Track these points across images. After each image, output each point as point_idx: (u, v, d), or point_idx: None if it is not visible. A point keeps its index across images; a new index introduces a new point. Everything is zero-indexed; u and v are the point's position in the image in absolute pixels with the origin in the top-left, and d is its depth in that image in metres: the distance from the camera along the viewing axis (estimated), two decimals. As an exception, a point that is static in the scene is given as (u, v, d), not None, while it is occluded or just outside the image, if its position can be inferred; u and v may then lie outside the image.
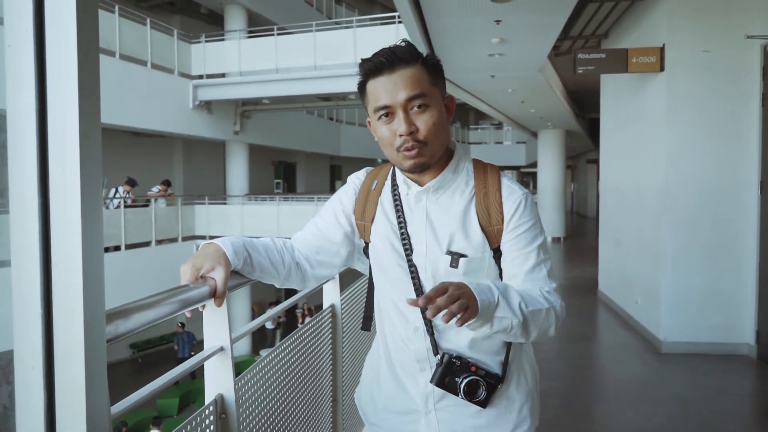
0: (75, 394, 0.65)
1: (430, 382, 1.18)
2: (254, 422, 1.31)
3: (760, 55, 4.56)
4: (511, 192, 1.19)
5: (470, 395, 1.16)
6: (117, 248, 11.29)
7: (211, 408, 1.12)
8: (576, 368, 4.86)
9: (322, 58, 12.46)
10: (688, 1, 4.86)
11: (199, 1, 15.34)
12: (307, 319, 1.81)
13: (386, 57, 1.12)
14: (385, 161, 1.28)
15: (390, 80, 1.12)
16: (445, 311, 0.96)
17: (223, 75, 13.53)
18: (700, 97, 4.81)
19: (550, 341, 4.79)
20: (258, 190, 16.58)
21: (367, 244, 1.30)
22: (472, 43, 6.04)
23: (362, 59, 1.15)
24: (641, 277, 5.59)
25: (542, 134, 15.64)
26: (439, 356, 1.18)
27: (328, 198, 1.38)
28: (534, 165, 19.98)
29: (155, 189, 12.96)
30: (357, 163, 19.13)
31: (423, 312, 1.20)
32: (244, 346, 12.85)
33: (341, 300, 2.00)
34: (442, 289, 0.98)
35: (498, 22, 5.21)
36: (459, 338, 1.19)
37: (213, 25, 16.28)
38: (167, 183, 13.22)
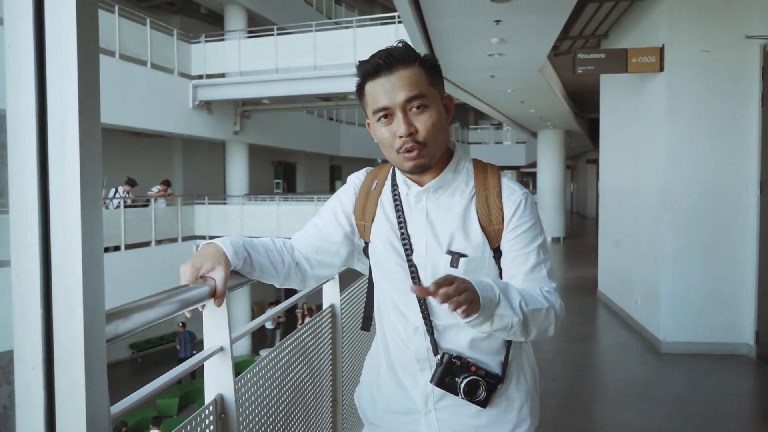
0: (75, 394, 0.65)
1: (430, 382, 1.18)
2: (254, 422, 1.31)
3: (759, 55, 4.56)
4: (511, 192, 1.19)
5: (470, 395, 1.16)
6: (117, 248, 11.29)
7: (211, 408, 1.12)
8: (576, 368, 4.86)
9: (322, 58, 12.46)
10: (688, 1, 4.86)
11: (199, 1, 15.34)
12: (307, 319, 1.81)
13: (384, 58, 1.12)
14: (385, 161, 1.28)
15: (388, 81, 1.12)
16: (452, 299, 0.96)
17: (222, 75, 13.53)
18: (699, 97, 4.81)
19: (549, 341, 4.79)
20: (258, 190, 16.58)
21: (366, 244, 1.30)
22: (472, 44, 6.05)
23: (360, 61, 1.15)
24: (641, 277, 5.59)
25: (542, 134, 15.65)
26: (439, 356, 1.18)
27: (328, 198, 1.38)
28: (534, 165, 19.98)
29: (155, 189, 12.96)
30: (357, 163, 19.13)
31: (423, 311, 1.21)
32: (243, 346, 12.85)
33: (341, 300, 2.00)
34: (449, 279, 0.98)
35: (498, 22, 5.21)
36: (459, 338, 1.19)
37: (213, 25, 16.28)
38: (167, 183, 13.22)
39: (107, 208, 11.31)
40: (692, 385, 4.24)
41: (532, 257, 1.17)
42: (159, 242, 12.47)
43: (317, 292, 1.87)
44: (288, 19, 15.19)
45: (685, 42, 4.84)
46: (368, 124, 1.21)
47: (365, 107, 1.19)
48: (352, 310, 2.19)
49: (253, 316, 14.01)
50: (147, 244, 12.12)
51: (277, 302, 14.98)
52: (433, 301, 1.19)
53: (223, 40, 14.02)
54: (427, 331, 1.20)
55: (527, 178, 33.42)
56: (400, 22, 9.44)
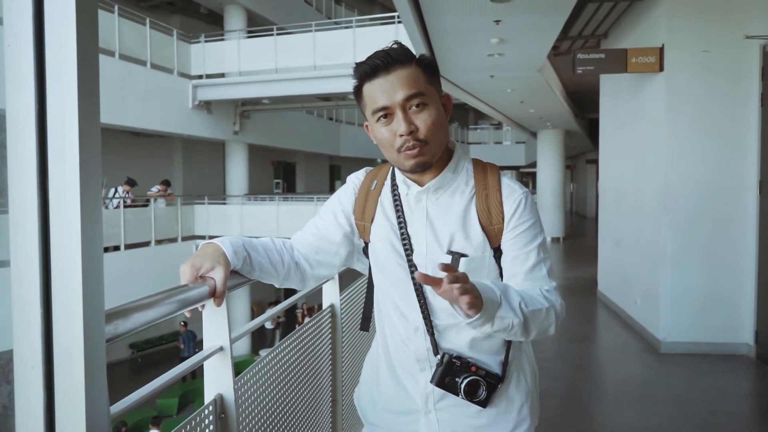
0: (74, 393, 0.65)
1: (431, 382, 1.18)
2: (254, 422, 1.31)
3: (759, 55, 4.57)
4: (511, 191, 1.19)
5: (471, 395, 1.16)
6: (116, 248, 11.29)
7: (211, 408, 1.12)
8: (575, 368, 4.87)
9: (322, 58, 12.46)
10: (688, 1, 4.86)
11: (198, 1, 15.34)
12: (307, 319, 1.81)
13: (381, 59, 1.12)
14: (385, 161, 1.28)
15: (387, 81, 1.12)
16: (458, 286, 0.95)
17: (222, 75, 13.53)
18: (699, 98, 4.81)
19: (549, 341, 4.80)
20: (257, 190, 16.58)
21: (366, 244, 1.30)
22: (472, 43, 6.05)
23: (357, 63, 1.15)
24: (640, 277, 5.59)
25: (541, 134, 15.65)
26: (439, 356, 1.18)
27: (328, 198, 1.38)
28: (533, 165, 19.99)
29: (155, 189, 12.96)
30: (356, 163, 19.14)
31: (423, 311, 1.21)
32: (243, 346, 12.85)
33: (341, 300, 2.00)
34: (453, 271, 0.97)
35: (497, 22, 5.21)
36: (459, 338, 1.19)
37: (212, 25, 16.28)
38: (167, 183, 13.22)
39: (107, 208, 11.31)
40: (692, 385, 4.25)
41: (532, 256, 1.17)
42: (159, 242, 12.47)
43: (317, 292, 1.87)
44: (288, 19, 15.19)
45: (684, 42, 4.84)
46: (366, 126, 1.21)
47: (363, 109, 1.19)
48: (352, 310, 2.19)
49: (253, 316, 14.00)
50: (147, 244, 12.12)
51: (276, 302, 14.98)
52: (433, 302, 1.20)
53: (222, 40, 14.02)
54: (428, 331, 1.20)
55: (527, 178, 33.43)
56: (399, 22, 9.43)
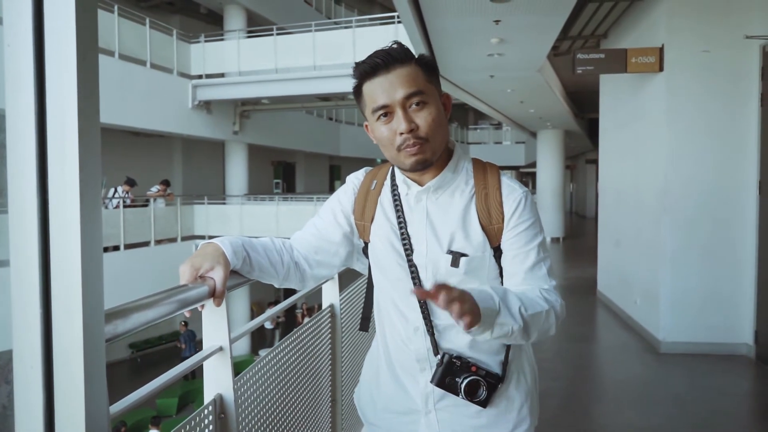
0: (74, 393, 0.65)
1: (431, 382, 1.18)
2: (253, 422, 1.31)
3: (759, 55, 4.57)
4: (511, 190, 1.19)
5: (471, 395, 1.16)
6: (116, 248, 11.28)
7: (210, 408, 1.12)
8: (575, 368, 4.87)
9: (322, 58, 12.46)
10: (688, 1, 4.86)
11: (198, 1, 15.33)
12: (306, 319, 1.81)
13: (381, 58, 1.12)
14: (384, 161, 1.28)
15: (386, 80, 1.12)
16: (456, 310, 0.95)
17: (222, 75, 13.53)
18: (699, 98, 4.81)
19: (549, 341, 4.80)
20: (257, 190, 16.58)
21: (366, 244, 1.29)
22: (472, 44, 6.05)
23: (356, 63, 1.15)
24: (640, 277, 5.59)
25: (541, 134, 15.65)
26: (439, 356, 1.18)
27: (328, 198, 1.38)
28: (533, 165, 19.99)
29: (154, 189, 12.96)
30: (356, 163, 19.14)
31: (423, 311, 1.21)
32: (243, 346, 12.85)
33: (340, 300, 2.00)
34: (450, 288, 0.96)
35: (497, 22, 5.21)
36: (459, 338, 1.19)
37: (212, 25, 16.28)
38: (166, 183, 13.22)
39: (107, 207, 11.31)
40: (691, 385, 4.25)
41: (532, 255, 1.17)
42: (158, 242, 12.47)
43: (317, 292, 1.87)
44: (287, 19, 15.19)
45: (684, 42, 4.84)
46: (366, 126, 1.21)
47: (363, 108, 1.19)
48: (352, 310, 2.19)
49: (253, 316, 14.00)
50: (146, 244, 12.12)
51: (276, 302, 14.99)
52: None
53: (222, 40, 14.02)
54: (428, 331, 1.20)
55: (527, 178, 33.42)
56: (399, 22, 9.44)
